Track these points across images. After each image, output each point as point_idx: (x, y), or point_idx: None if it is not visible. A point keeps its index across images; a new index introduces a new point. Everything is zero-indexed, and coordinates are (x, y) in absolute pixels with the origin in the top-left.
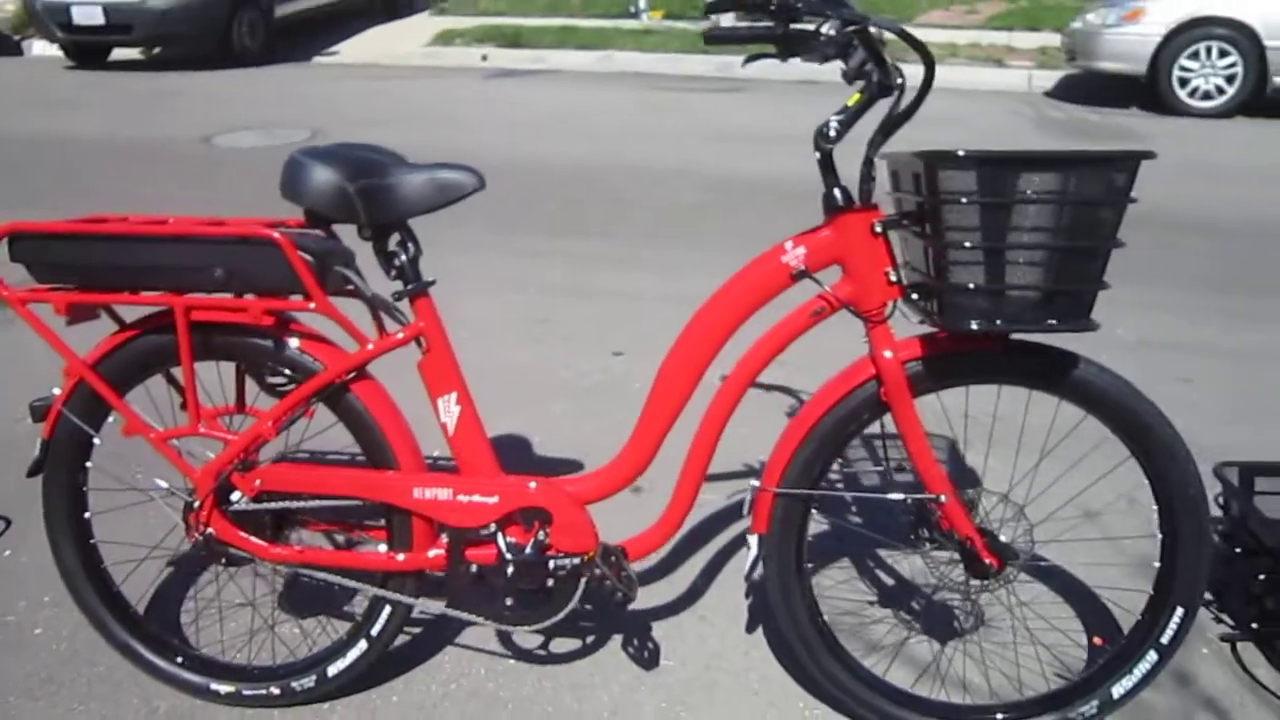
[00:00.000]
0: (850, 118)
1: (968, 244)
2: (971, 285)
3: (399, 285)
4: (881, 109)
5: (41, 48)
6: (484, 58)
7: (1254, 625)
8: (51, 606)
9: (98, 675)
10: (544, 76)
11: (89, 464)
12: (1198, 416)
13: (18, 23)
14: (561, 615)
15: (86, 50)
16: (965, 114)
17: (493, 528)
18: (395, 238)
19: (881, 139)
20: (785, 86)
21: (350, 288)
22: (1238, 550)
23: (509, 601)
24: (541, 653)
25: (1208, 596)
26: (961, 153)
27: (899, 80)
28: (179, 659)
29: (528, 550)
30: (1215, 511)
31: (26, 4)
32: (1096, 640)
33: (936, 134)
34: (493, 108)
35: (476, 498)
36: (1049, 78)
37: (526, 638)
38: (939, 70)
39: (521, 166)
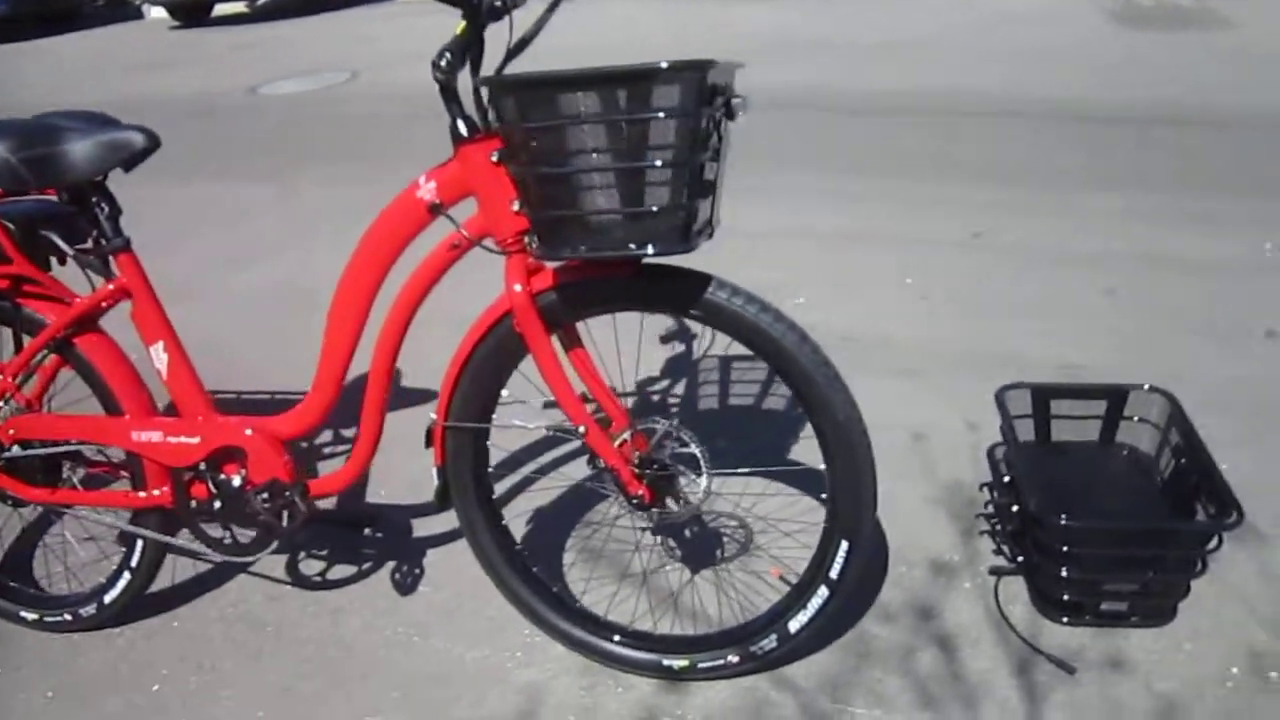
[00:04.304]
0: (459, 46)
1: (539, 170)
2: (551, 213)
3: (104, 244)
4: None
5: (158, 12)
6: None
7: (1019, 559)
8: None
9: None
10: None
11: None
12: None
13: None
14: (271, 549)
15: (191, 9)
16: (1038, 8)
17: (202, 466)
18: (92, 199)
19: (502, 65)
20: None
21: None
22: (1005, 480)
23: (226, 535)
24: (318, 579)
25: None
26: (505, 78)
27: (495, 5)
28: None
29: (230, 486)
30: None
31: None
32: (774, 572)
33: (995, 35)
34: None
35: (183, 438)
36: None
37: (310, 567)
38: None
39: None
